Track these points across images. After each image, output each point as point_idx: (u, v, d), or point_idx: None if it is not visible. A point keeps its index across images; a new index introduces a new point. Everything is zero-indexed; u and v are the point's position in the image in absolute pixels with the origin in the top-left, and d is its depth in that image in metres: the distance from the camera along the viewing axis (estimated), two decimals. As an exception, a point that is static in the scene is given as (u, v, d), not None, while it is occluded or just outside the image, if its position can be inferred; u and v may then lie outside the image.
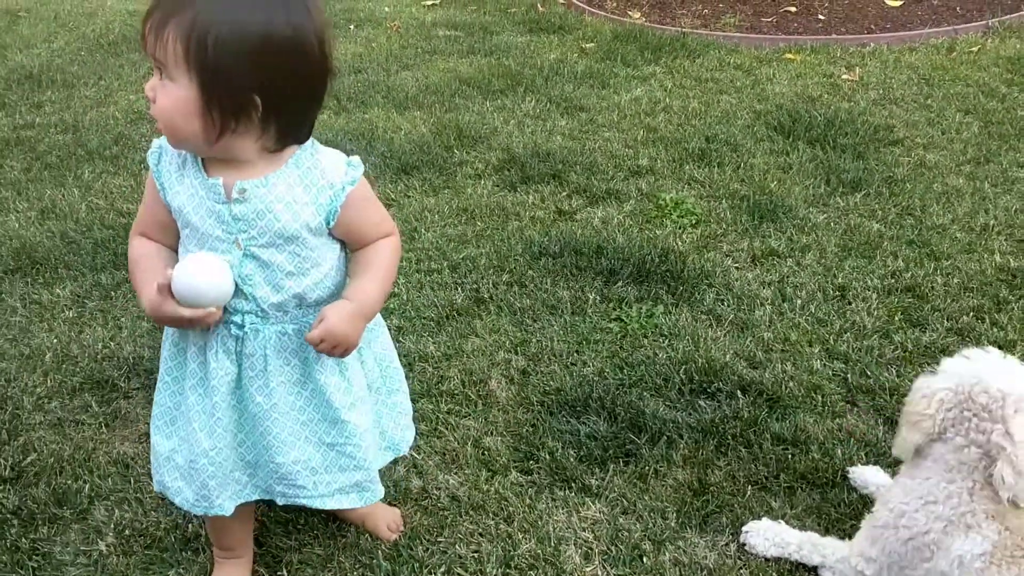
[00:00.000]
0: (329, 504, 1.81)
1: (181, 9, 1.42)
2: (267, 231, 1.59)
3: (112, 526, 2.12)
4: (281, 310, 1.66)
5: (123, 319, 2.92)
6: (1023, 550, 1.70)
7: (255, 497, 1.82)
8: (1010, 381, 1.73)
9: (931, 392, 1.79)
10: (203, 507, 1.78)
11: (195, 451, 1.73)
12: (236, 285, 1.60)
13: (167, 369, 1.76)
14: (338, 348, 1.63)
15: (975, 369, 1.77)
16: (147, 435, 2.37)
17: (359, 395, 1.77)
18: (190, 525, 2.11)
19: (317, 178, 1.60)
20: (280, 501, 1.81)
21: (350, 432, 1.76)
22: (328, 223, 1.63)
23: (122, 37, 6.17)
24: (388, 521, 2.10)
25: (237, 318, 1.65)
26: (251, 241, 1.59)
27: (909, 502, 1.81)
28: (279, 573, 2.00)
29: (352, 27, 6.43)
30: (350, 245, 1.72)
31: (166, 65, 1.46)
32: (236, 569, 1.97)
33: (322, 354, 1.66)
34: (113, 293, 3.06)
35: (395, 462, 2.29)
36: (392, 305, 2.95)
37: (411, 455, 2.32)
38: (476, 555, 2.03)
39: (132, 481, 2.25)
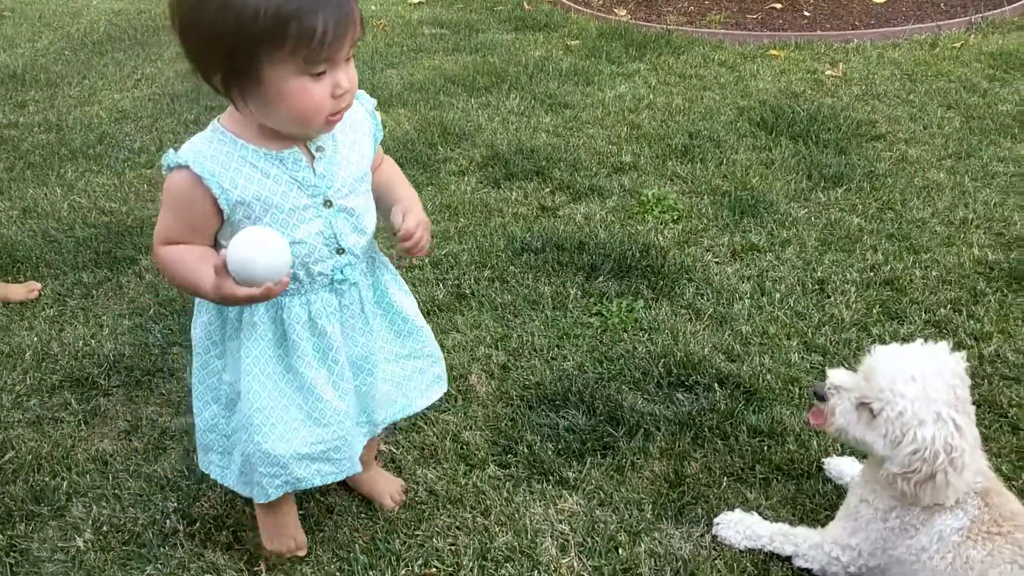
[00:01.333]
0: (422, 404, 2.00)
1: None
2: (348, 178, 1.68)
3: (90, 523, 2.12)
4: (364, 251, 1.77)
5: (104, 317, 2.92)
6: (999, 527, 1.73)
7: (367, 439, 1.95)
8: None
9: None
10: (348, 469, 1.88)
11: (329, 419, 1.79)
12: (335, 241, 1.68)
13: (263, 366, 1.74)
14: (426, 234, 1.75)
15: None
16: (127, 432, 2.40)
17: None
18: (168, 521, 2.12)
19: (353, 112, 1.68)
20: (380, 430, 1.99)
21: (425, 337, 1.98)
22: (375, 148, 1.77)
23: (107, 36, 6.15)
24: (391, 492, 2.16)
25: (337, 275, 1.72)
26: (337, 194, 1.67)
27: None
28: (255, 568, 2.01)
29: (338, 25, 6.42)
30: (372, 165, 1.80)
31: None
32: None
33: (391, 272, 1.88)
34: (94, 292, 3.06)
35: (375, 457, 2.30)
36: (373, 301, 2.96)
37: (389, 450, 2.33)
38: (453, 548, 2.04)
39: (111, 478, 2.25)
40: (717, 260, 3.21)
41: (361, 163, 1.71)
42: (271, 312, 1.71)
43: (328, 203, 1.66)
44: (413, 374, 1.96)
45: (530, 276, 3.10)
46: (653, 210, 3.55)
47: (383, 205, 1.80)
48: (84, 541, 2.07)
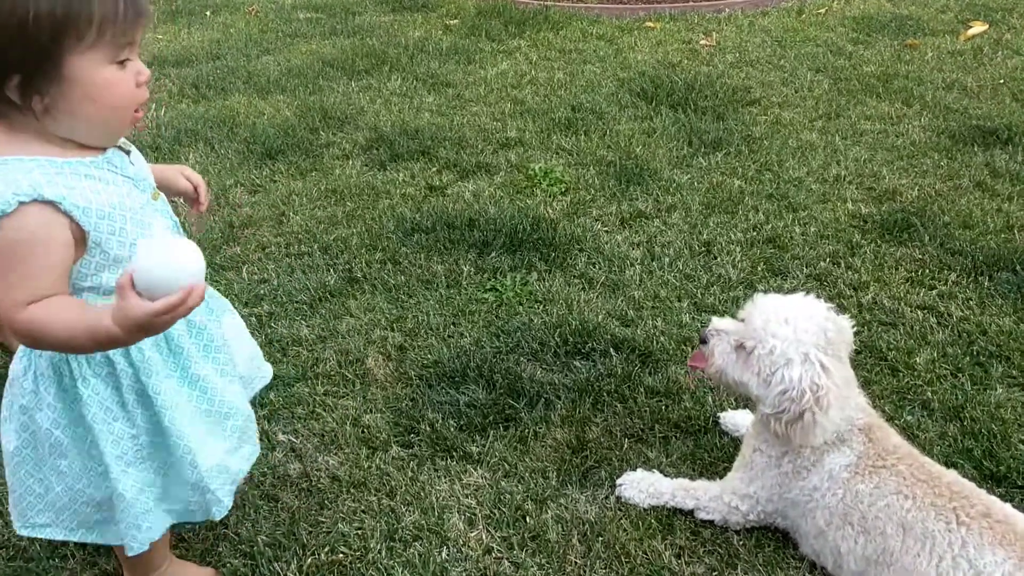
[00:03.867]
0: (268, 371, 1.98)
1: None
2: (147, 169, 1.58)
3: (-30, 541, 2.00)
4: None
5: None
6: (884, 461, 1.81)
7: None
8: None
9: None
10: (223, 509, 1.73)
11: (230, 408, 1.70)
12: (177, 229, 1.58)
13: (173, 394, 1.60)
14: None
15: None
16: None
17: None
18: (56, 532, 2.01)
19: None
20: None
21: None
22: None
23: None
24: None
25: None
26: (152, 186, 1.57)
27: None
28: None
29: (208, 13, 6.22)
30: None
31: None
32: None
33: None
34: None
35: (272, 448, 2.25)
36: (263, 291, 2.88)
37: (288, 439, 2.28)
38: (360, 532, 2.01)
39: (-10, 493, 2.13)
40: (606, 229, 3.25)
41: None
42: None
43: (156, 195, 1.57)
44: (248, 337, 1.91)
45: (422, 256, 3.07)
46: (541, 183, 3.57)
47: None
48: (-35, 561, 1.96)
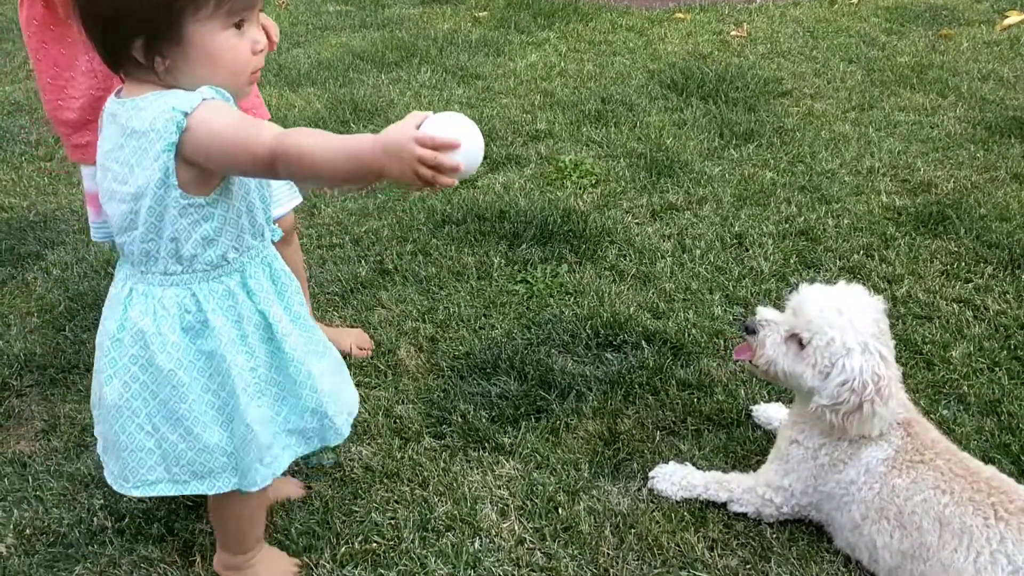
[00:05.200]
0: None
1: None
2: None
3: (12, 527, 2.04)
4: None
5: (11, 316, 2.79)
6: (921, 456, 1.79)
7: None
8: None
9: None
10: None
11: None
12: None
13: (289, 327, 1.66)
14: None
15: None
16: (45, 432, 2.32)
17: None
18: (95, 519, 2.04)
19: None
20: None
21: None
22: None
23: (-7, 27, 5.87)
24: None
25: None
26: None
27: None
28: (191, 558, 1.96)
29: (239, 6, 6.25)
30: None
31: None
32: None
33: None
34: (0, 289, 2.93)
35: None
36: (295, 282, 2.90)
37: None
38: (392, 522, 2.02)
39: (31, 479, 2.16)
40: (637, 221, 3.24)
41: None
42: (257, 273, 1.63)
43: None
44: None
45: (453, 248, 3.08)
46: (571, 175, 3.56)
47: None
48: (6, 547, 1.99)
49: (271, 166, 1.41)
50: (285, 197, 2.24)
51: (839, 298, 1.83)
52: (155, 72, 1.46)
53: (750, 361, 1.95)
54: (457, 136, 1.34)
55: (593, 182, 3.52)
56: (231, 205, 1.53)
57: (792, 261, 2.95)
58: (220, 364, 1.58)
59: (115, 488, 1.68)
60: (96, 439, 1.73)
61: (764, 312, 1.94)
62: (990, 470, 1.78)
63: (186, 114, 1.41)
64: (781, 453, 1.96)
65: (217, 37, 1.45)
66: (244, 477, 1.66)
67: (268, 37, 2.09)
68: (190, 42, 1.43)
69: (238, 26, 1.46)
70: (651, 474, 2.09)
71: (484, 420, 2.30)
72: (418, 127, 1.34)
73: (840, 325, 1.78)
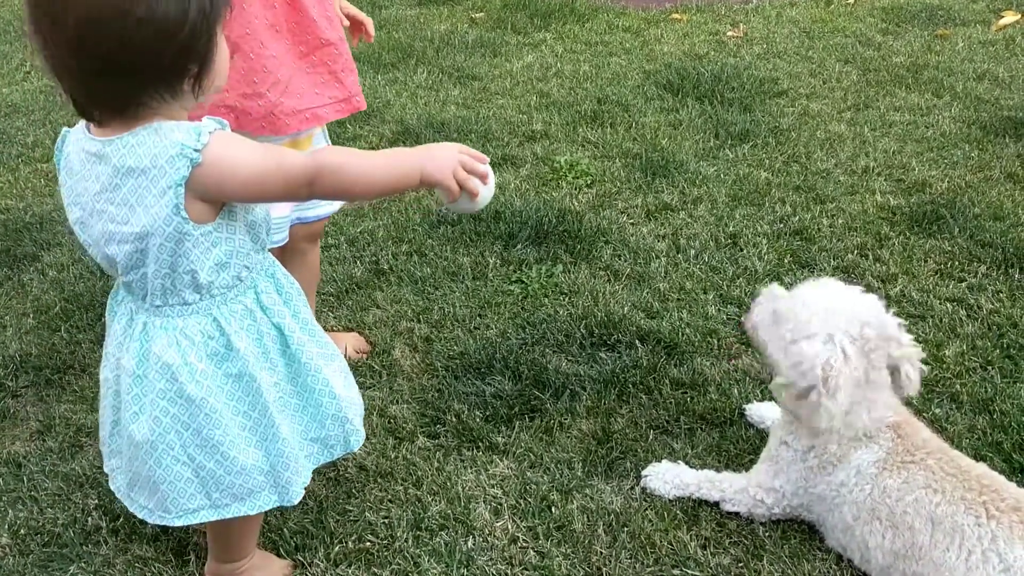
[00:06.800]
0: None
1: None
2: None
3: (6, 527, 2.04)
4: None
5: (7, 317, 2.80)
6: (912, 456, 1.80)
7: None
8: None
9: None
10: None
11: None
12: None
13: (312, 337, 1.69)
14: None
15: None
16: (40, 432, 2.32)
17: None
18: (89, 519, 2.05)
19: None
20: None
21: None
22: None
23: (-9, 29, 5.87)
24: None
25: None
26: None
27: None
28: (186, 557, 1.97)
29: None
30: None
31: None
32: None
33: None
34: (-5, 291, 2.94)
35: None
36: (290, 283, 2.91)
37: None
38: (386, 521, 2.03)
39: (25, 480, 2.17)
40: (632, 221, 3.25)
41: None
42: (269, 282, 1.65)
43: None
44: None
45: (448, 248, 3.08)
46: (567, 176, 3.57)
47: None
48: (1, 547, 2.00)
49: (308, 185, 1.47)
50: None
51: (837, 292, 1.85)
52: (193, 96, 1.44)
53: (744, 324, 2.01)
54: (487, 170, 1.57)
55: (588, 182, 3.52)
56: (236, 226, 1.52)
57: (786, 261, 2.95)
58: (250, 384, 1.59)
59: (151, 521, 1.68)
60: (92, 438, 1.74)
61: (773, 286, 1.98)
62: (981, 468, 1.79)
63: (197, 150, 1.39)
64: (771, 454, 1.97)
65: (221, 38, 1.45)
66: (285, 493, 1.68)
67: (365, 31, 2.19)
68: (217, 52, 1.43)
69: None
70: (644, 472, 2.10)
71: (478, 420, 2.31)
72: None
73: (819, 311, 1.80)
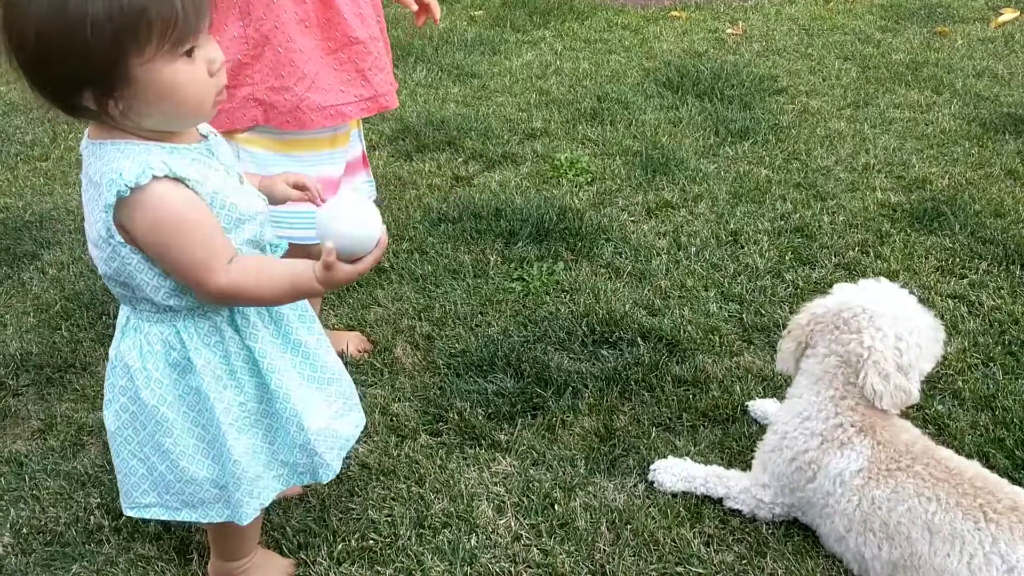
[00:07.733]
0: None
1: None
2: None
3: (8, 526, 2.04)
4: None
5: (7, 316, 2.79)
6: (897, 463, 1.77)
7: None
8: (874, 300, 1.84)
9: (810, 307, 1.91)
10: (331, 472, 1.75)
11: (331, 375, 1.73)
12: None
13: (276, 358, 1.62)
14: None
15: (852, 292, 1.87)
16: (41, 431, 2.32)
17: None
18: (91, 517, 2.05)
19: None
20: None
21: None
22: None
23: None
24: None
25: (267, 239, 1.62)
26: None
27: (789, 420, 1.90)
28: (188, 556, 1.96)
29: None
30: None
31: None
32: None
33: None
34: (-5, 290, 2.93)
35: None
36: (291, 281, 2.90)
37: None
38: (389, 519, 2.03)
39: (27, 479, 2.16)
40: (633, 219, 3.25)
41: None
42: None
43: (240, 179, 1.57)
44: None
45: (449, 246, 3.08)
46: (567, 173, 3.57)
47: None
48: (3, 546, 1.99)
49: (212, 299, 1.47)
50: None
51: (908, 300, 1.89)
52: (111, 117, 1.37)
53: None
54: (338, 239, 1.41)
55: (589, 180, 3.52)
56: None
57: (787, 258, 2.95)
58: (205, 402, 1.56)
59: (122, 508, 1.69)
60: (94, 437, 1.74)
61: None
62: (973, 468, 1.76)
63: (128, 185, 1.33)
64: (760, 448, 1.99)
65: (167, 72, 1.33)
66: (236, 510, 1.66)
67: (431, 14, 2.34)
68: (142, 84, 1.33)
69: (188, 53, 1.35)
70: (652, 466, 2.09)
71: (480, 417, 2.31)
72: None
73: (887, 302, 1.85)
